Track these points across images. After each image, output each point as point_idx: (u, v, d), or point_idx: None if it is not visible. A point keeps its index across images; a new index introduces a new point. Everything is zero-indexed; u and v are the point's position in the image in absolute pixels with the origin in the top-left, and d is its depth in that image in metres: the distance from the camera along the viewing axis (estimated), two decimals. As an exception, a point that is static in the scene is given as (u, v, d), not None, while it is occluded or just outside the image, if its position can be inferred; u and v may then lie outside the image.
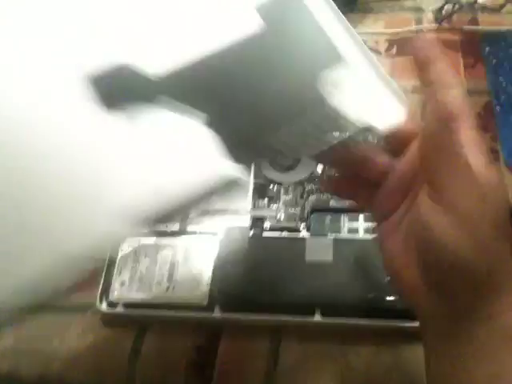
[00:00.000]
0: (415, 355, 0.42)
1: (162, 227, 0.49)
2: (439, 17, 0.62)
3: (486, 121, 0.54)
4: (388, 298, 0.43)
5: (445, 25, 0.62)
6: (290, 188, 0.50)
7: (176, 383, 0.44)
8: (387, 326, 0.43)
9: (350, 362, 0.43)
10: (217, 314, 0.45)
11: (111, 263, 0.48)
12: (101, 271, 0.48)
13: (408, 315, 0.41)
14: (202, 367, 0.44)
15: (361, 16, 0.64)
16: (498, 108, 0.55)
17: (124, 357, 0.45)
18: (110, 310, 0.46)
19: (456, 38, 0.61)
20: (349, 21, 0.62)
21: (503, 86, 0.56)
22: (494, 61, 0.58)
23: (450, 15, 0.61)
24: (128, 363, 0.45)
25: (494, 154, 0.52)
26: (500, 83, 0.57)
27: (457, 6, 0.60)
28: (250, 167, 0.27)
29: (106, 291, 0.46)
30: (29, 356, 0.46)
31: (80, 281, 0.24)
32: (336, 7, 0.30)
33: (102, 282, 0.47)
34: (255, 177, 0.51)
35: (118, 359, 0.45)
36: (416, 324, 0.41)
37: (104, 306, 0.46)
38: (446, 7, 0.61)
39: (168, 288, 0.46)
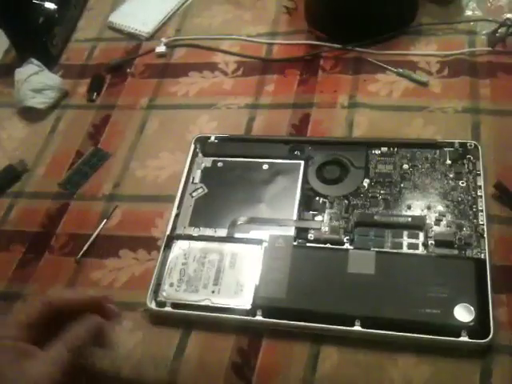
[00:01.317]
0: (453, 369, 0.42)
1: (210, 232, 0.52)
2: (493, 40, 0.62)
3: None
4: (427, 313, 0.43)
5: (498, 48, 0.62)
6: (336, 201, 0.52)
7: (217, 382, 0.45)
8: (426, 340, 0.43)
9: (387, 372, 0.43)
10: (259, 318, 0.46)
11: (162, 264, 0.51)
12: (152, 271, 0.50)
13: (446, 331, 0.42)
14: (243, 369, 0.46)
15: (413, 38, 0.65)
16: (550, 131, 0.55)
17: (169, 355, 0.47)
18: (159, 309, 0.48)
19: (509, 61, 0.61)
20: (401, 43, 0.64)
21: (557, 109, 0.56)
22: (549, 84, 0.58)
23: (503, 38, 0.61)
24: (173, 361, 0.47)
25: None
26: (554, 106, 0.56)
27: (511, 30, 0.60)
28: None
29: (156, 291, 0.49)
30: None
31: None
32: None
33: (152, 281, 0.50)
34: (302, 188, 0.53)
35: (163, 357, 0.47)
36: (453, 339, 0.42)
37: (153, 305, 0.49)
38: (500, 30, 0.61)
39: (214, 291, 0.48)
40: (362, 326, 0.44)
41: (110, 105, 0.68)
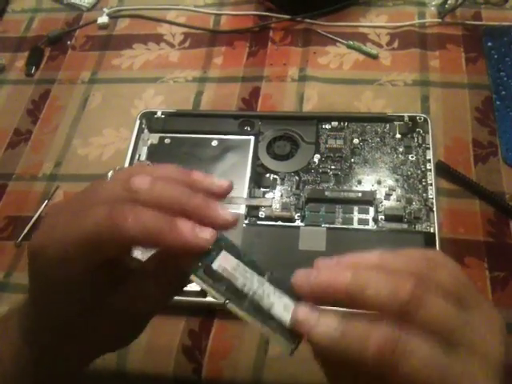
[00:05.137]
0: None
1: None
2: (442, 11, 0.61)
3: (486, 115, 0.54)
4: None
5: (448, 19, 0.62)
6: (286, 177, 0.51)
7: (167, 365, 0.44)
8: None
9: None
10: (209, 299, 0.45)
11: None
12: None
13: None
14: (193, 351, 0.45)
15: (363, 9, 0.64)
16: (497, 103, 0.55)
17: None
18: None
19: (458, 32, 0.61)
20: (351, 14, 0.63)
21: (504, 81, 0.56)
22: (496, 56, 0.58)
23: (453, 10, 0.61)
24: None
25: (492, 149, 0.52)
26: (501, 78, 0.57)
27: (460, 1, 0.60)
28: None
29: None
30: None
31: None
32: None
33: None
34: (252, 165, 0.52)
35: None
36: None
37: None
38: (449, 2, 0.61)
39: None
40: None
41: (49, 79, 0.64)
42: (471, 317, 0.24)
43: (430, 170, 0.49)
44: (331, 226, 0.47)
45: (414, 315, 0.23)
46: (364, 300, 0.24)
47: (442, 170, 0.50)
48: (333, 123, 0.54)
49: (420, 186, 0.49)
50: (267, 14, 0.66)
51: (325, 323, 0.25)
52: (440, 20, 0.62)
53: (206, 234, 0.26)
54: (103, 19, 0.68)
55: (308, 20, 0.64)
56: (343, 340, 0.24)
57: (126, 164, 0.53)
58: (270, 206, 0.49)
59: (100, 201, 0.27)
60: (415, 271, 0.25)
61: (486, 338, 0.24)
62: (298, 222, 0.48)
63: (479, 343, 0.23)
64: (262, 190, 0.50)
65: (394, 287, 0.24)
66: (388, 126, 0.53)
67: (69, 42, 0.67)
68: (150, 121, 0.56)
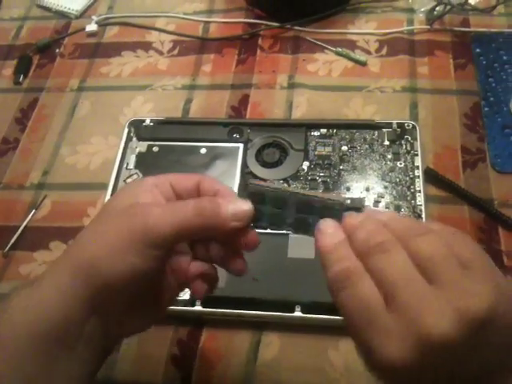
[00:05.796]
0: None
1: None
2: (431, 18, 0.62)
3: (474, 121, 0.54)
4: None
5: (436, 26, 0.62)
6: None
7: (156, 375, 0.44)
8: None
9: (328, 357, 0.43)
10: (198, 308, 0.45)
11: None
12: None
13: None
14: (182, 361, 0.44)
15: (352, 16, 0.64)
16: (486, 109, 0.55)
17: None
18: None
19: (447, 39, 0.61)
20: (340, 21, 0.63)
21: (492, 87, 0.56)
22: (485, 62, 0.58)
23: (441, 16, 0.61)
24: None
25: (480, 155, 0.52)
26: (489, 84, 0.57)
27: (448, 7, 0.60)
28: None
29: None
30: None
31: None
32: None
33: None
34: (241, 172, 0.52)
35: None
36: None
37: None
38: (437, 8, 0.61)
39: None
40: (303, 312, 0.43)
41: (38, 87, 0.64)
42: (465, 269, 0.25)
43: (419, 176, 0.49)
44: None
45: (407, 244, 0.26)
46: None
47: (431, 176, 0.50)
48: (321, 130, 0.53)
49: (409, 193, 0.49)
50: (256, 21, 0.66)
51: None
52: (428, 27, 0.62)
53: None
54: (92, 27, 0.68)
55: (297, 27, 0.64)
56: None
57: (114, 173, 0.53)
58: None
59: None
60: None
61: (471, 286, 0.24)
62: (286, 230, 0.48)
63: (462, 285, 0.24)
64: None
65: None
66: (376, 133, 0.53)
67: (57, 50, 0.67)
68: (138, 129, 0.56)
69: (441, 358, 0.24)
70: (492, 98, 0.56)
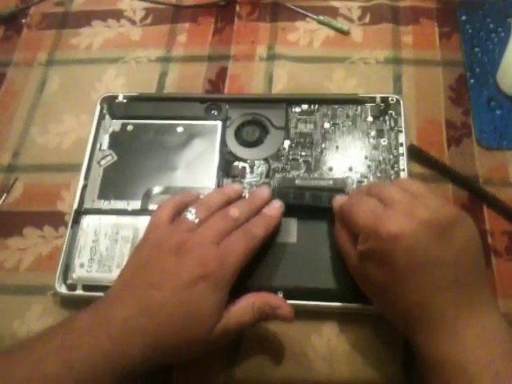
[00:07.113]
0: (376, 333, 0.42)
1: (122, 205, 0.48)
2: (415, -17, 0.59)
3: (459, 94, 0.53)
4: (350, 280, 0.42)
5: (420, -9, 0.59)
6: (256, 165, 0.49)
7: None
8: (347, 308, 0.42)
9: (311, 342, 0.42)
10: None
11: (71, 243, 0.47)
12: (61, 250, 0.46)
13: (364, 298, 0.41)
14: None
15: (334, -19, 0.61)
16: (471, 81, 0.53)
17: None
18: (69, 293, 0.45)
19: (432, 5, 0.59)
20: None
21: (478, 58, 0.54)
22: (471, 30, 0.56)
23: (426, -19, 0.59)
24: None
25: (465, 130, 0.51)
26: (475, 54, 0.55)
27: (434, -28, 0.58)
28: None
29: (65, 272, 0.45)
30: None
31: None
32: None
33: (61, 262, 0.46)
34: (220, 152, 0.50)
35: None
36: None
37: (63, 288, 0.45)
38: (422, -28, 0.58)
39: (128, 269, 0.45)
40: (285, 297, 0.42)
41: (3, 62, 0.60)
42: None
43: (403, 154, 0.48)
44: (301, 211, 0.46)
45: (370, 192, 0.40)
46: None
47: (415, 153, 0.49)
48: (303, 106, 0.51)
49: (392, 172, 0.47)
50: (233, -14, 0.62)
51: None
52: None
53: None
54: (59, -6, 0.64)
55: (276, -7, 0.61)
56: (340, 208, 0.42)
57: (87, 154, 0.50)
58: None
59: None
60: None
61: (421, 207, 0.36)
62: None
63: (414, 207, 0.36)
64: (231, 179, 0.48)
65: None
66: (359, 108, 0.51)
67: (23, 21, 0.63)
68: (111, 106, 0.53)
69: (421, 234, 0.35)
70: (478, 70, 0.54)
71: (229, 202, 0.44)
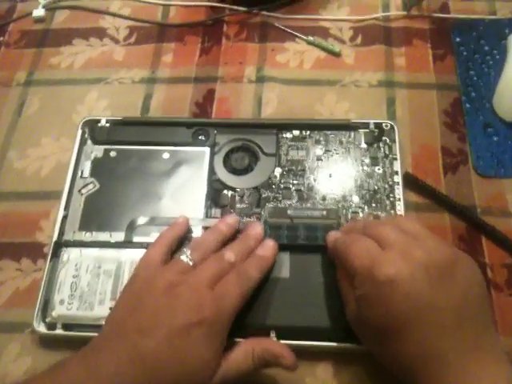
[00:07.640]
0: (372, 373, 0.40)
1: (104, 237, 0.45)
2: (408, 3, 0.57)
3: (455, 119, 0.51)
4: (344, 319, 0.40)
5: (414, 12, 0.58)
6: (246, 194, 0.47)
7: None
8: (342, 348, 0.40)
9: (306, 385, 0.40)
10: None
11: (50, 277, 0.44)
12: (39, 285, 0.44)
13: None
14: None
15: (324, 1, 0.60)
16: (467, 105, 0.52)
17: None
18: (48, 332, 0.42)
19: (425, 26, 0.57)
20: (311, 6, 0.58)
21: (474, 81, 0.53)
22: (465, 53, 0.55)
23: (419, 1, 0.57)
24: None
25: (462, 157, 0.49)
26: (470, 77, 0.53)
27: (426, -9, 0.56)
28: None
29: (44, 310, 0.43)
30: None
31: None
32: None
33: (39, 299, 0.43)
34: (208, 180, 0.47)
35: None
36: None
37: (42, 327, 0.42)
38: (414, -8, 0.57)
39: (111, 307, 0.42)
40: (278, 338, 0.40)
41: (-20, 81, 0.58)
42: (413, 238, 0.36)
43: (398, 183, 0.46)
44: (294, 247, 0.44)
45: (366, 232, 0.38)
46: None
47: (410, 182, 0.47)
48: (294, 132, 0.49)
49: (388, 202, 0.45)
50: (220, 5, 0.60)
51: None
52: (405, 12, 0.58)
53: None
54: (39, 12, 0.61)
55: (265, 12, 0.59)
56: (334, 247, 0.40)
57: (68, 182, 0.48)
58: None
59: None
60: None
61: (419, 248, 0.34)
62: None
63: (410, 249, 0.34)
64: (220, 209, 0.46)
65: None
66: (353, 134, 0.49)
67: (1, 38, 0.61)
68: (93, 130, 0.51)
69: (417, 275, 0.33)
70: (473, 94, 0.52)
71: (224, 241, 0.42)
